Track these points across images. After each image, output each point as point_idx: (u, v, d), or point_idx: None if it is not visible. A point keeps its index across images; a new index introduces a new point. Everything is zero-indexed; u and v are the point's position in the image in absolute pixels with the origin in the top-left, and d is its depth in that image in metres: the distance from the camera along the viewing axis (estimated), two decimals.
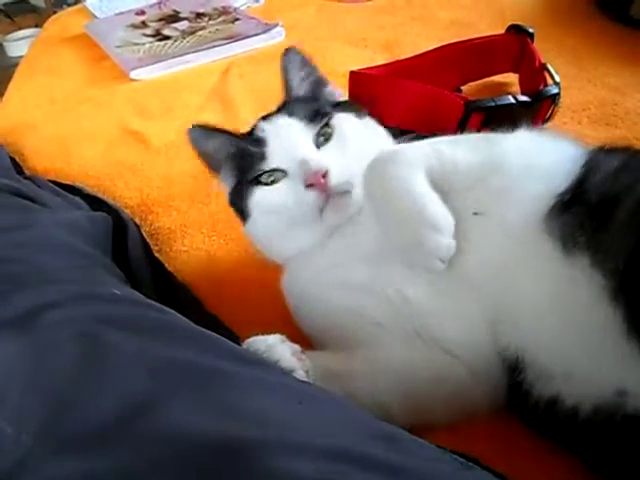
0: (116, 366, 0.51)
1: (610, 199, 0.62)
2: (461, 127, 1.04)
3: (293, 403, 0.50)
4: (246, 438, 0.44)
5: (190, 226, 1.02)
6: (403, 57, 1.25)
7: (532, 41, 1.22)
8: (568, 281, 0.61)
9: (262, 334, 0.63)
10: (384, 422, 0.53)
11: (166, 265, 0.93)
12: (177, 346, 0.54)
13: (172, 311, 0.62)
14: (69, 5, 4.07)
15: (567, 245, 0.62)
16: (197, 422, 0.45)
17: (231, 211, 1.01)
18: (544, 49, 1.22)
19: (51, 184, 0.97)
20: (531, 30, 1.23)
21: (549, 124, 1.13)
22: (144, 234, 0.98)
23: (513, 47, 1.23)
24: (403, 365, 0.68)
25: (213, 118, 1.30)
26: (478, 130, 1.05)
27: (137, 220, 1.03)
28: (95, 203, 0.96)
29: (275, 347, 0.62)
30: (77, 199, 0.93)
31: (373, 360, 0.69)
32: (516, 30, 1.24)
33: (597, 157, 0.69)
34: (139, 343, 0.53)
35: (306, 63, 0.88)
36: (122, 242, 0.87)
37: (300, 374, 0.60)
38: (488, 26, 1.48)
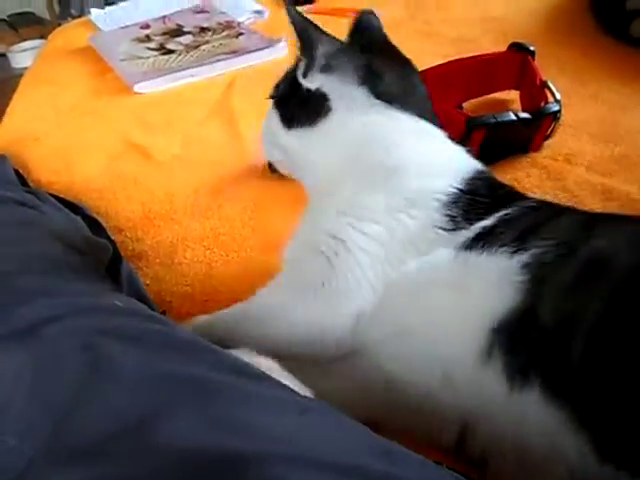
0: (118, 379, 0.51)
1: (563, 325, 0.56)
2: (463, 143, 1.05)
3: (293, 417, 0.50)
4: (246, 451, 0.44)
5: (191, 239, 1.02)
6: None
7: (533, 59, 1.23)
8: (520, 414, 0.57)
9: None
10: (383, 438, 0.54)
11: (166, 277, 0.94)
12: (178, 359, 0.55)
13: (174, 323, 0.62)
14: (73, 17, 4.10)
15: (515, 379, 0.57)
16: (198, 435, 0.46)
17: (233, 224, 1.02)
18: (545, 66, 1.23)
19: (54, 199, 0.97)
20: (532, 48, 1.24)
21: (550, 140, 1.14)
22: (146, 247, 0.99)
23: (514, 64, 1.24)
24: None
25: (215, 132, 1.31)
26: (479, 146, 1.06)
27: (139, 233, 1.04)
28: (95, 227, 0.96)
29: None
30: (78, 219, 0.93)
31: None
32: (517, 48, 1.25)
33: (543, 270, 0.60)
34: (141, 355, 0.53)
35: None
36: (114, 275, 0.87)
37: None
38: (491, 43, 1.50)
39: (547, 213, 0.72)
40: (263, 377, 0.57)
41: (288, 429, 0.48)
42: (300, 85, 0.85)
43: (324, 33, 0.86)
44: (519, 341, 0.58)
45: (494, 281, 0.62)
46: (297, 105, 0.85)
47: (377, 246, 0.70)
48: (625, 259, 0.58)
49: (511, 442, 0.58)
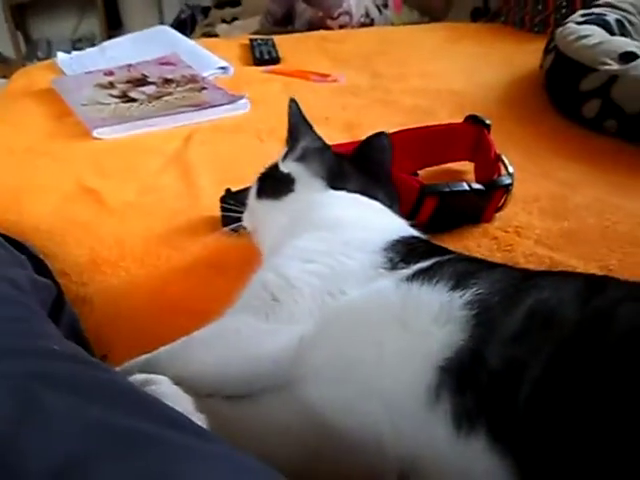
0: (45, 426, 0.49)
1: (511, 371, 0.56)
2: (415, 210, 1.06)
3: (231, 475, 0.49)
4: None
5: (138, 288, 1.01)
6: (363, 138, 1.28)
7: (489, 132, 1.26)
8: (465, 464, 0.56)
9: None
10: None
11: (110, 324, 0.93)
12: (114, 408, 0.53)
13: (111, 369, 0.61)
14: (39, 59, 4.10)
15: (462, 425, 0.56)
16: None
17: (182, 275, 1.01)
18: (499, 141, 1.26)
19: None
20: (488, 121, 1.27)
21: (501, 213, 1.16)
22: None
23: (470, 136, 1.27)
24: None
25: (171, 182, 1.31)
26: (431, 214, 1.07)
27: (85, 278, 1.02)
28: (40, 268, 0.93)
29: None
30: (23, 258, 0.91)
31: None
32: (473, 120, 1.28)
33: (488, 313, 0.61)
34: (72, 402, 0.51)
35: None
36: (56, 317, 0.84)
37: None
38: (447, 115, 1.53)
39: (483, 264, 0.77)
40: (202, 432, 0.56)
41: None
42: (279, 167, 0.99)
43: (312, 130, 1.02)
44: (467, 383, 0.58)
45: (436, 314, 0.63)
46: (271, 182, 0.98)
47: (317, 280, 0.75)
48: (571, 313, 0.59)
49: None
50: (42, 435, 0.48)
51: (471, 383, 0.58)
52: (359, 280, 0.74)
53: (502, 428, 0.55)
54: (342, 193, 0.92)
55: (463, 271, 0.68)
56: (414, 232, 0.86)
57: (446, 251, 0.80)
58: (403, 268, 0.73)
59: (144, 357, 0.76)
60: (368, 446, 0.62)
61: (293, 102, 1.02)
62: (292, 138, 1.02)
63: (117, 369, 0.74)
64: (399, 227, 0.87)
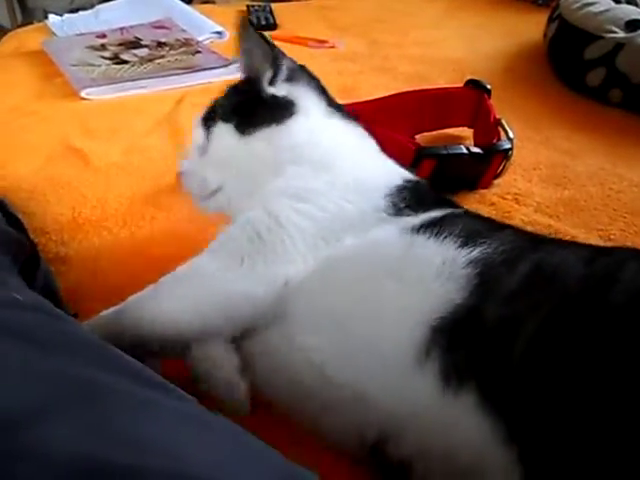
0: None
1: (507, 326, 0.55)
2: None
3: (189, 432, 0.45)
4: (121, 464, 0.39)
5: (119, 248, 0.97)
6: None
7: (489, 97, 1.22)
8: (451, 420, 0.55)
9: None
10: (290, 462, 0.49)
11: (89, 284, 0.89)
12: (74, 359, 0.49)
13: (77, 322, 0.57)
14: None
15: (450, 382, 0.55)
16: (72, 442, 0.40)
17: (164, 236, 0.97)
18: (499, 109, 1.22)
19: None
20: (489, 86, 1.23)
21: (500, 180, 1.12)
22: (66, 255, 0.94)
23: (470, 101, 1.23)
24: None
25: (159, 143, 1.27)
26: (428, 178, 1.03)
27: (65, 237, 0.99)
28: (15, 225, 0.89)
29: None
30: None
31: None
32: (474, 85, 1.24)
33: (491, 271, 0.59)
34: (27, 351, 0.48)
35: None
36: (29, 275, 0.80)
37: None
38: (447, 83, 1.48)
39: (494, 223, 0.74)
40: (164, 386, 0.52)
41: (178, 445, 0.43)
42: (260, 93, 0.85)
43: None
44: (460, 340, 0.56)
45: (438, 270, 0.61)
46: (260, 110, 0.84)
47: (309, 222, 0.70)
48: (575, 270, 0.58)
49: (437, 449, 0.56)
50: None
51: (464, 340, 0.56)
52: (357, 228, 0.70)
53: (492, 386, 0.53)
54: (348, 125, 0.86)
55: (474, 229, 0.66)
56: (416, 177, 0.82)
57: (454, 203, 0.77)
58: (409, 215, 0.70)
59: (113, 309, 0.72)
60: (349, 399, 0.60)
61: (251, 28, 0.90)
62: (273, 61, 0.86)
63: (86, 322, 0.70)
64: (401, 170, 0.82)
